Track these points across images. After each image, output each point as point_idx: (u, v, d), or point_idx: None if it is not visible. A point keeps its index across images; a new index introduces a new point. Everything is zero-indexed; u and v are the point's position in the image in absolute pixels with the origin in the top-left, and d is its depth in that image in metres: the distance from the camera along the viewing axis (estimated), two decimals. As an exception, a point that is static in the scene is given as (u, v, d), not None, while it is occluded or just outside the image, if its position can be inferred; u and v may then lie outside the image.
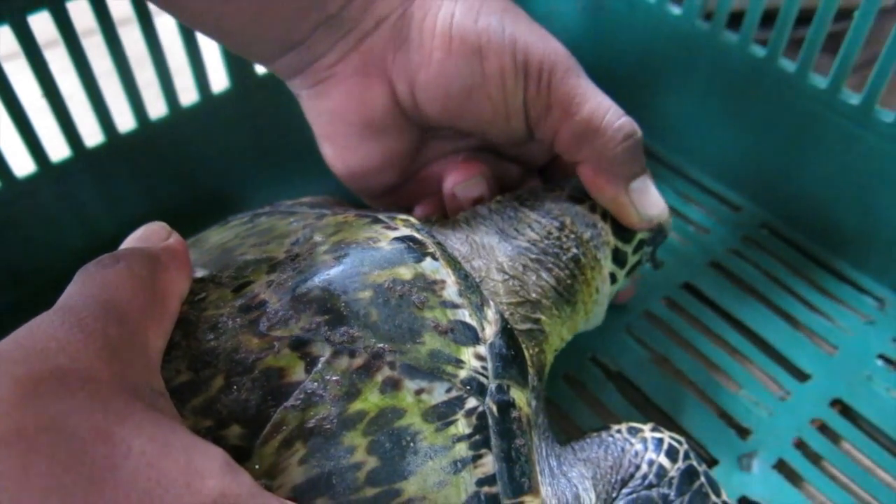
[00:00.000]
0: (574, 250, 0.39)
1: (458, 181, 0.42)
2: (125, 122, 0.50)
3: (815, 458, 0.45)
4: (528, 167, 0.46)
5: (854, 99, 0.49)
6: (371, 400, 0.28)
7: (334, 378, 0.28)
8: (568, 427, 0.46)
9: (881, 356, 0.50)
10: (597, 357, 0.50)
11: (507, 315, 0.36)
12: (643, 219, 0.41)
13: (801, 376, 0.49)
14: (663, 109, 0.63)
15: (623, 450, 0.36)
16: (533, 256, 0.38)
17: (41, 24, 0.43)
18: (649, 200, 0.41)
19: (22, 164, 0.47)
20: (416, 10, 0.38)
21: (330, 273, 0.31)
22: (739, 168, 0.60)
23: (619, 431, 0.37)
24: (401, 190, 0.45)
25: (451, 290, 0.33)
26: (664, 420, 0.47)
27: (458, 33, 0.37)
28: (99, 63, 0.46)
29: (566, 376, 0.49)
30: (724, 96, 0.58)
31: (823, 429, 0.46)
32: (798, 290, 0.54)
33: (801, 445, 0.45)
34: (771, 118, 0.55)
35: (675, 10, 0.57)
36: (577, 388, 0.48)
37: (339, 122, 0.40)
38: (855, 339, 0.51)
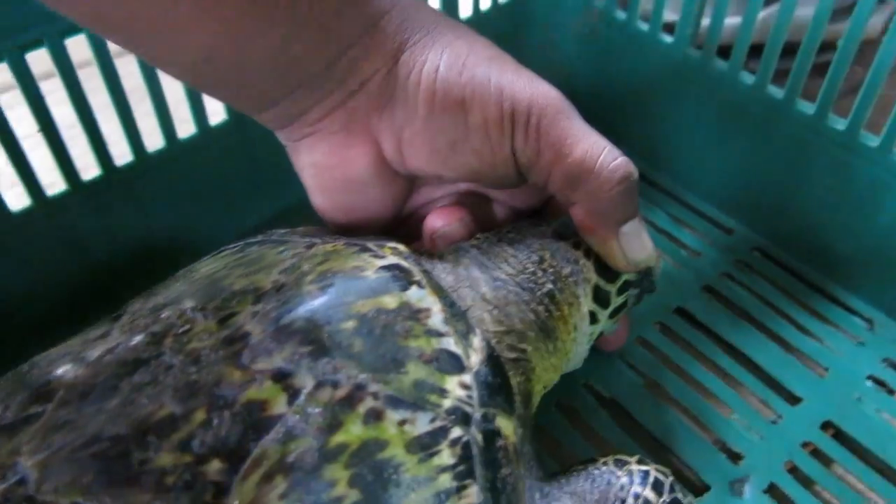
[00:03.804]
0: (549, 286, 0.39)
1: (437, 227, 0.42)
2: (122, 153, 0.50)
3: (807, 482, 0.45)
4: (520, 212, 0.46)
5: (840, 124, 0.50)
6: (353, 432, 0.28)
7: (316, 410, 0.28)
8: (560, 455, 0.46)
9: (871, 377, 0.50)
10: (590, 383, 0.50)
11: (493, 343, 0.36)
12: (629, 262, 0.40)
13: (793, 399, 0.49)
14: (655, 134, 0.63)
15: (609, 483, 0.36)
16: (511, 289, 0.38)
17: (36, 55, 0.43)
18: (639, 244, 0.40)
19: (17, 198, 0.47)
20: (402, 68, 0.37)
21: (314, 303, 0.31)
22: (731, 192, 0.60)
23: (605, 464, 0.37)
24: (391, 234, 0.45)
25: (436, 319, 0.33)
26: (657, 447, 0.47)
27: (441, 87, 0.36)
28: (96, 96, 0.47)
29: (559, 404, 0.49)
30: (715, 122, 0.58)
31: (815, 452, 0.46)
32: (789, 313, 0.54)
33: (793, 469, 0.45)
34: (761, 143, 0.56)
35: (667, 39, 0.58)
36: (570, 416, 0.48)
37: (324, 175, 0.40)
38: (845, 361, 0.51)
